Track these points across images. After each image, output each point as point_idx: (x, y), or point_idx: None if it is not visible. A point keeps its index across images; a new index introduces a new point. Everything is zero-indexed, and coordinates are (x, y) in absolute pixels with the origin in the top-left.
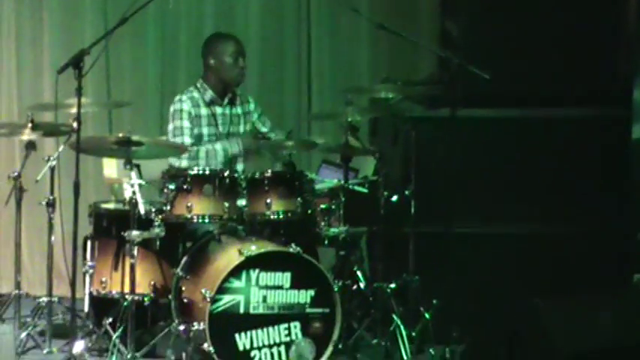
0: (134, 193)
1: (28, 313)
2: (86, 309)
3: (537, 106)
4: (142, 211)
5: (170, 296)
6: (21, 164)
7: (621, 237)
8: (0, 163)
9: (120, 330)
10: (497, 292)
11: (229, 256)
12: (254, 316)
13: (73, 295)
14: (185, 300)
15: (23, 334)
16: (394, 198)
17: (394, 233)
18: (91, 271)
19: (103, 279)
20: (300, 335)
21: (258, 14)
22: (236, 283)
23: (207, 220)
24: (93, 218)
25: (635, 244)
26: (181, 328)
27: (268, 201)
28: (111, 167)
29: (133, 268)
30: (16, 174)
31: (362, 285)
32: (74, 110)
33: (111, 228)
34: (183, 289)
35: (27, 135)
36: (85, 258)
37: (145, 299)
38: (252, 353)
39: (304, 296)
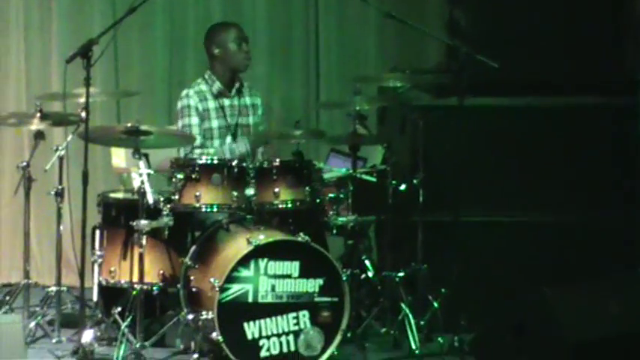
0: (143, 182)
1: (37, 303)
2: (95, 298)
3: (545, 95)
4: (151, 201)
5: (179, 285)
6: (30, 154)
7: (629, 225)
8: (9, 153)
9: (129, 319)
10: (505, 281)
11: (238, 245)
12: (263, 305)
13: (82, 284)
14: (194, 289)
15: (32, 324)
16: (402, 187)
17: (402, 222)
18: (99, 260)
19: (112, 268)
20: (308, 324)
21: (265, 3)
22: (245, 272)
23: (215, 210)
24: (102, 208)
25: None
26: (190, 317)
27: (277, 190)
28: (119, 157)
29: (141, 257)
30: (24, 164)
31: (370, 274)
32: (83, 100)
33: (119, 217)
34: (192, 278)
35: (35, 125)
36: (93, 247)
37: (154, 288)
38: (261, 342)
39: (313, 285)
